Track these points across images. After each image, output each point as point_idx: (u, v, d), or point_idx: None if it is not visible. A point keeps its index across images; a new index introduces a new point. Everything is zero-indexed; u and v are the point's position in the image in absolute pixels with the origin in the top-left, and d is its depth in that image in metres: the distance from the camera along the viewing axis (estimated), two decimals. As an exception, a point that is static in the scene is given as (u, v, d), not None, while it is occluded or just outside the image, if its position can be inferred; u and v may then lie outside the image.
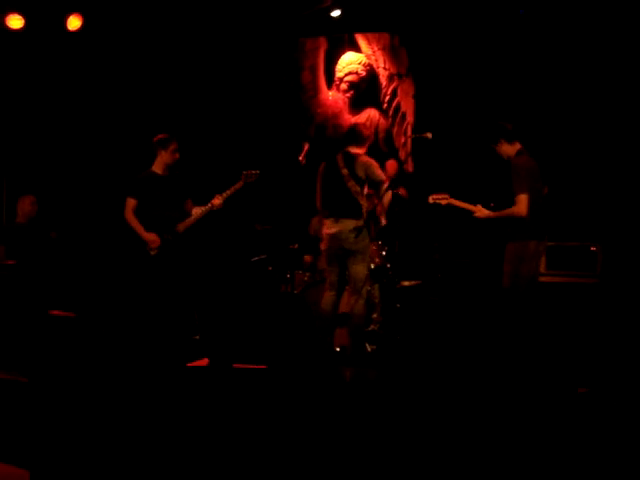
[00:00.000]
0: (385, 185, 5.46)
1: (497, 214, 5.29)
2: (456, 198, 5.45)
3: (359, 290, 5.41)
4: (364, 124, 5.94)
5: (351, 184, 5.33)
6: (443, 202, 5.45)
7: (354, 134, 5.57)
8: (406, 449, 3.59)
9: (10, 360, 4.83)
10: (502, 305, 5.29)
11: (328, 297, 5.61)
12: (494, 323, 5.58)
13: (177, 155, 5.67)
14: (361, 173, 5.37)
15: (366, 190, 5.47)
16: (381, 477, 3.24)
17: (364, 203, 5.39)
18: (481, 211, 5.35)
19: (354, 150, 5.47)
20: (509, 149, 5.31)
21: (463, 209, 5.40)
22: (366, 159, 5.46)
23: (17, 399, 3.92)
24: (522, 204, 5.10)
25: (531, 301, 5.22)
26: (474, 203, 5.40)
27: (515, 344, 5.17)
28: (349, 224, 5.31)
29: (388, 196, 5.52)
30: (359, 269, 5.41)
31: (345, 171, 5.35)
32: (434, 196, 5.52)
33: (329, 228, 5.43)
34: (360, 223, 5.32)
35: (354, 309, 5.41)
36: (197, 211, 5.72)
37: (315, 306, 5.77)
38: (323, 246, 5.53)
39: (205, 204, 5.70)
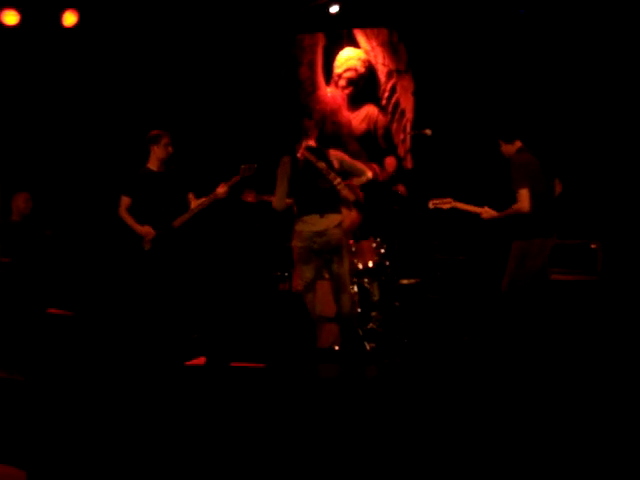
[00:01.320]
0: (369, 175, 5.37)
1: (502, 214, 5.27)
2: (457, 199, 5.41)
3: (347, 286, 5.35)
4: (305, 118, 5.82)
5: (332, 177, 5.23)
6: (445, 206, 5.40)
7: (300, 127, 5.45)
8: (406, 447, 3.57)
9: (6, 358, 4.80)
10: (502, 303, 5.28)
11: (309, 303, 5.34)
12: (493, 321, 5.57)
13: (170, 149, 5.61)
14: (337, 165, 5.31)
15: (341, 181, 5.32)
16: (381, 476, 3.21)
17: (348, 194, 5.27)
18: (487, 212, 5.33)
19: (312, 143, 5.40)
20: (509, 148, 5.33)
21: (469, 212, 5.37)
22: (335, 152, 5.43)
23: (13, 398, 3.87)
24: (524, 199, 5.09)
25: (533, 298, 5.21)
26: (475, 203, 5.37)
27: (515, 342, 5.16)
28: (336, 219, 5.24)
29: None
30: (344, 265, 5.32)
31: (322, 164, 5.24)
32: (435, 201, 5.46)
33: (313, 225, 5.24)
34: (342, 217, 5.28)
35: (344, 307, 5.33)
36: (194, 205, 5.65)
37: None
38: (299, 243, 5.28)
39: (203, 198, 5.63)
